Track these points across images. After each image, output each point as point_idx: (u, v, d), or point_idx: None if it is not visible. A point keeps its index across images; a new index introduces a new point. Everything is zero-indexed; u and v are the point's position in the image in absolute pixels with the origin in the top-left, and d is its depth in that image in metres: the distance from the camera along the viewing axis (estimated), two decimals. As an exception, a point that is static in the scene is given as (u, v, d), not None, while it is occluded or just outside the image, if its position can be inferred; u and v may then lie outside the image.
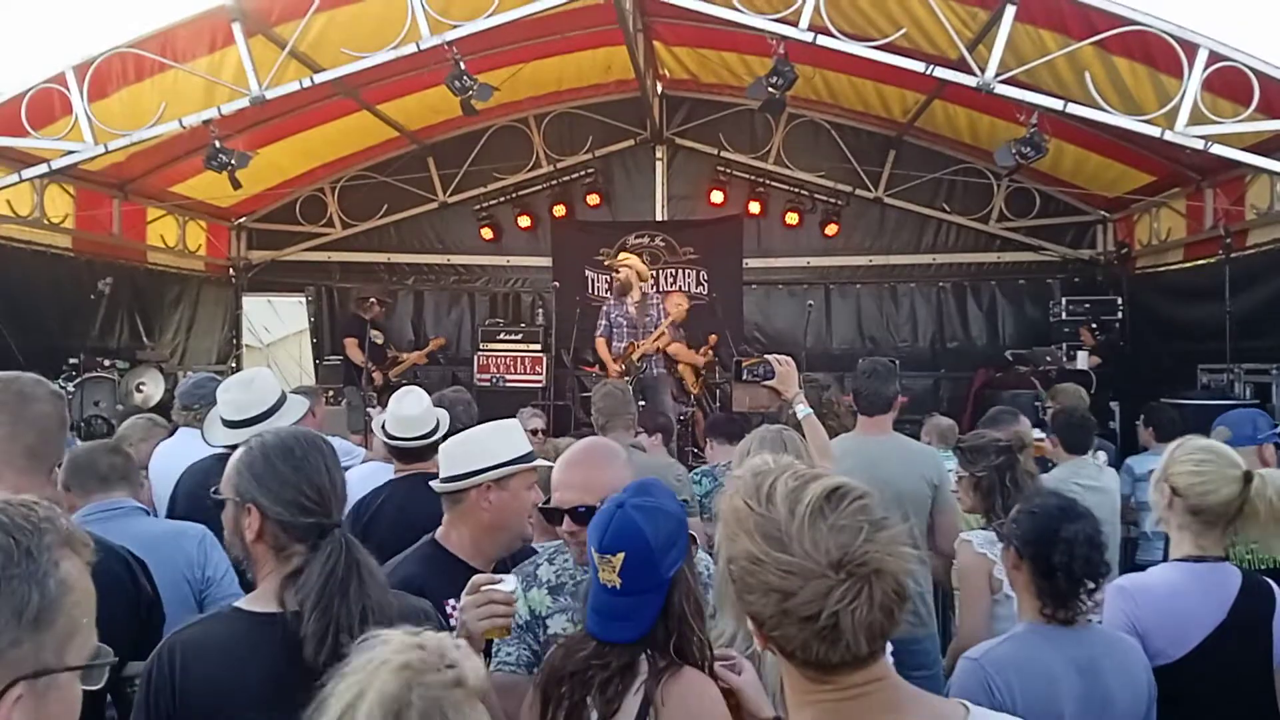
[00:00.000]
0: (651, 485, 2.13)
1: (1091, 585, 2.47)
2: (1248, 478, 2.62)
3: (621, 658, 2.00)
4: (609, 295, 10.02)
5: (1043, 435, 5.26)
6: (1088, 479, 4.63)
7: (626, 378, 8.65)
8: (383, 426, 4.15)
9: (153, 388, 8.96)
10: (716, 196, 11.52)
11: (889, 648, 1.35)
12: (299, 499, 2.06)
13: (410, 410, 4.09)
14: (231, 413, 3.77)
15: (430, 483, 2.92)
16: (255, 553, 2.11)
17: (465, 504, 2.82)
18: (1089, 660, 2.42)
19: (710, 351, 9.93)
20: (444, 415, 4.19)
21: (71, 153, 7.13)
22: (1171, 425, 5.78)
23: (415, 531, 3.43)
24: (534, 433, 5.71)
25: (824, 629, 1.26)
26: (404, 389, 4.35)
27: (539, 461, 2.89)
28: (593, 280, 11.67)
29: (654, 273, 11.60)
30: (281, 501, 2.05)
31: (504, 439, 2.88)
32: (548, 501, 2.56)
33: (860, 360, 4.96)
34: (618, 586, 1.97)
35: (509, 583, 2.34)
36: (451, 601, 2.64)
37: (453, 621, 2.60)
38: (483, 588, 2.28)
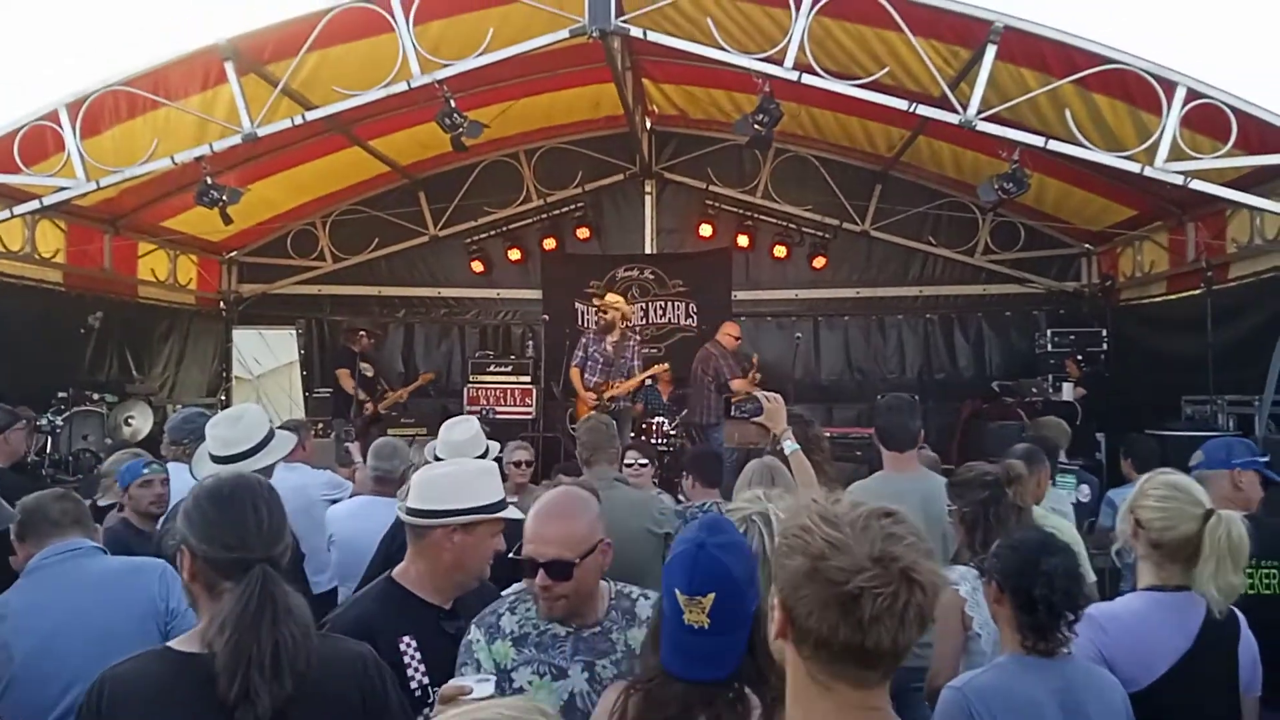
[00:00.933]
0: (720, 522, 2.12)
1: (1071, 617, 2.51)
2: (1208, 515, 2.65)
3: (723, 694, 1.98)
4: (594, 328, 10.04)
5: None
6: (1060, 501, 4.73)
7: (595, 411, 8.76)
8: (434, 452, 4.39)
9: (141, 421, 8.95)
10: (705, 230, 11.64)
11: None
12: (220, 535, 2.10)
13: (460, 436, 4.37)
14: (220, 448, 3.80)
15: (397, 509, 2.94)
16: (194, 594, 2.15)
17: (428, 540, 2.80)
18: (1069, 691, 2.45)
19: (757, 375, 9.78)
20: (494, 445, 4.51)
21: (64, 189, 7.15)
22: (1150, 457, 5.88)
23: None
24: (517, 465, 5.73)
25: (846, 596, 1.33)
26: (457, 418, 4.67)
27: (509, 513, 2.87)
28: (582, 313, 11.74)
29: (644, 305, 11.71)
30: (206, 539, 2.10)
31: (480, 483, 2.86)
32: (519, 550, 2.50)
33: (880, 396, 4.96)
34: (706, 626, 1.95)
35: (483, 689, 2.24)
36: (406, 639, 2.66)
37: (404, 659, 2.62)
38: (458, 698, 2.20)
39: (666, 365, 9.99)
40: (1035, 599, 2.49)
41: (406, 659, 2.64)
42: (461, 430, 4.53)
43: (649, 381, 11.03)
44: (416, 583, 2.81)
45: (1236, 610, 2.74)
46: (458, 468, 2.99)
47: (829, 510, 1.43)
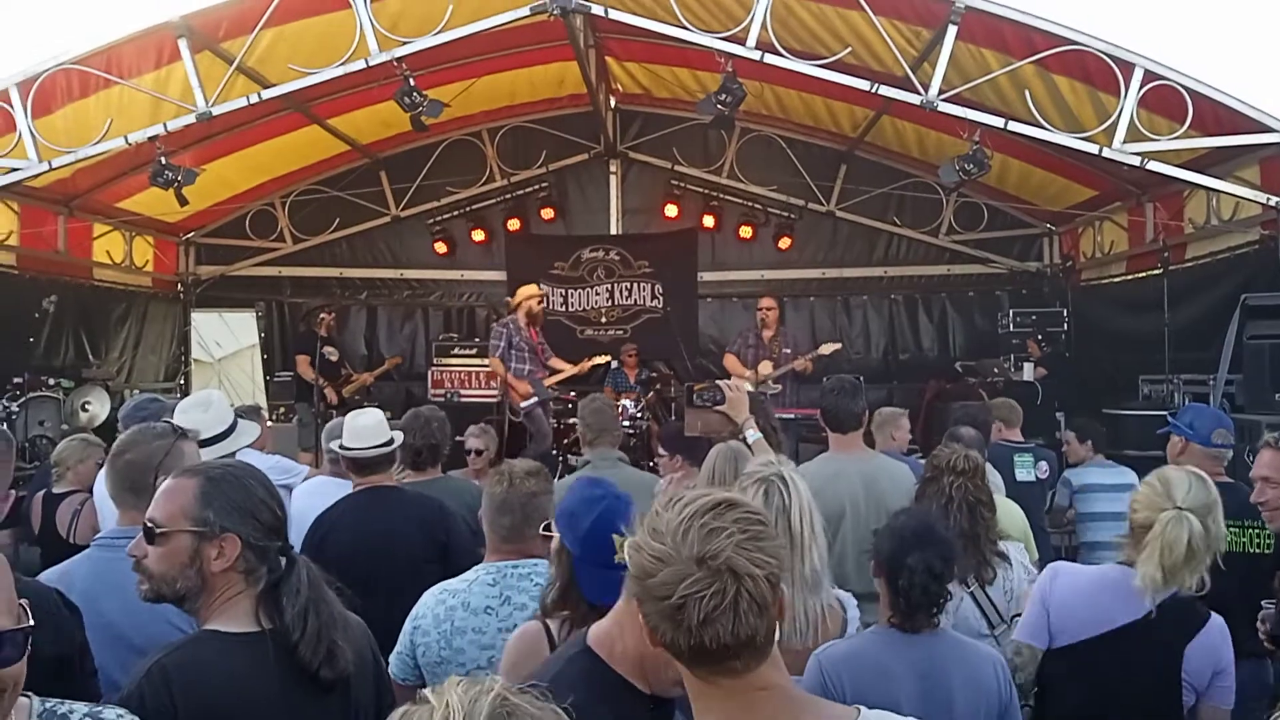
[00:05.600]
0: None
1: (934, 609, 2.65)
2: (1170, 510, 2.76)
3: None
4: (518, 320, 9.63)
5: None
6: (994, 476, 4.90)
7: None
8: (340, 443, 4.23)
9: (98, 406, 8.81)
10: (671, 210, 11.60)
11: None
12: (273, 523, 2.15)
13: (364, 422, 4.24)
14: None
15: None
16: (219, 581, 2.07)
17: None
18: (931, 664, 2.57)
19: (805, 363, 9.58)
20: (399, 435, 4.31)
21: (15, 170, 7.01)
22: (1100, 438, 6.25)
23: (373, 542, 3.65)
24: (470, 453, 5.67)
25: (672, 609, 1.36)
26: (359, 409, 4.51)
27: None
28: (548, 294, 11.69)
29: (609, 286, 11.69)
30: (260, 528, 2.12)
31: None
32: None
33: (825, 378, 4.97)
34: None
35: None
36: None
37: None
38: None
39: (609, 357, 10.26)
40: (899, 589, 2.63)
41: None
42: (365, 418, 4.30)
43: (614, 364, 11.05)
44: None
45: (1216, 617, 2.81)
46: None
47: (658, 520, 1.45)
